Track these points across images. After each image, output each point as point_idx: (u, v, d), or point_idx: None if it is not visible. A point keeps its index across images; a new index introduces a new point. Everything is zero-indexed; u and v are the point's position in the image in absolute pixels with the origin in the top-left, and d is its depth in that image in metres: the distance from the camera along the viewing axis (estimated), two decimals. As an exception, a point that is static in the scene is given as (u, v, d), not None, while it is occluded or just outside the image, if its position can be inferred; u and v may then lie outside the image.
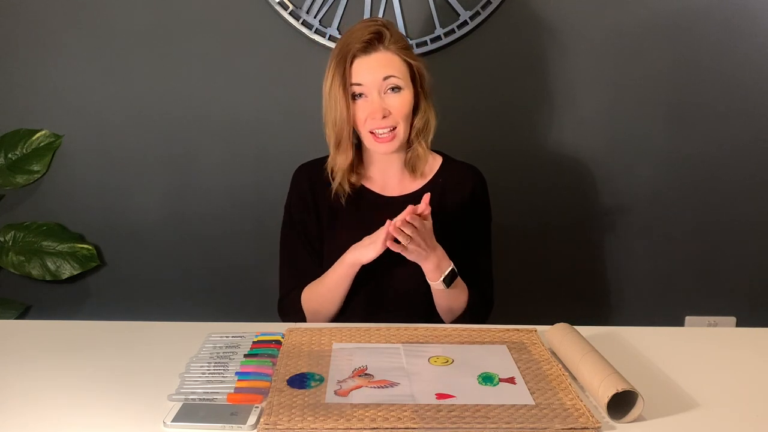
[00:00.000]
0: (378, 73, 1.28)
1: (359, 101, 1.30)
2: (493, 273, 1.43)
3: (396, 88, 1.29)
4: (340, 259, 1.30)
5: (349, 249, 1.28)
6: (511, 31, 1.81)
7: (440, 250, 1.26)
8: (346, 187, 1.35)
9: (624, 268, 1.95)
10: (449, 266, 1.27)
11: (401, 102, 1.29)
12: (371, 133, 1.30)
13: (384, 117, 1.28)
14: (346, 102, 1.28)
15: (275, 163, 1.87)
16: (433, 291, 1.32)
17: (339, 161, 1.33)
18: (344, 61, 1.28)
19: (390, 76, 1.28)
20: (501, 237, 1.45)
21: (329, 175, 1.36)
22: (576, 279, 1.96)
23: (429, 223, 1.21)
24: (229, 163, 1.91)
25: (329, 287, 1.32)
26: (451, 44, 1.80)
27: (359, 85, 1.28)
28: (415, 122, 1.34)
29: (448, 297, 1.31)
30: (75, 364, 1.05)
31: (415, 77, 1.32)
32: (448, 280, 1.27)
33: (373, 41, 1.28)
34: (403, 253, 1.22)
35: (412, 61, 1.31)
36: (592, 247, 1.95)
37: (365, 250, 1.25)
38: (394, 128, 1.30)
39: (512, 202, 1.85)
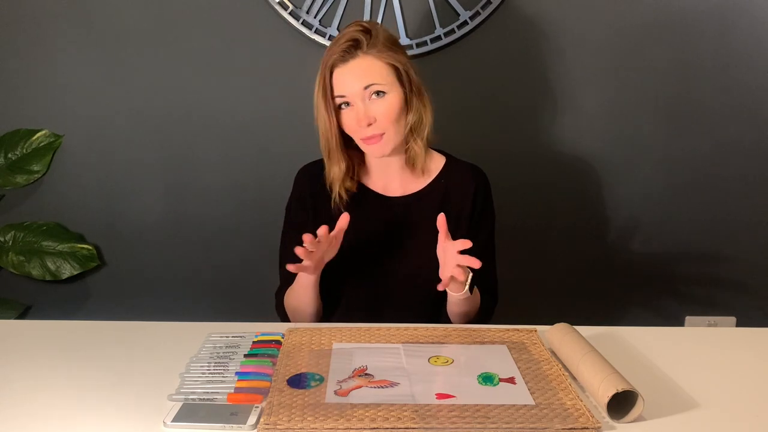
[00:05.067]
0: (358, 82, 1.25)
1: (346, 110, 1.28)
2: (497, 271, 1.43)
3: (380, 93, 1.26)
4: None
5: None
6: (511, 31, 1.81)
7: None
8: (344, 195, 1.35)
9: (624, 268, 1.95)
10: (470, 274, 1.25)
11: (387, 107, 1.26)
12: (360, 138, 1.30)
13: (369, 125, 1.26)
14: (328, 113, 1.27)
15: (275, 163, 1.87)
16: (450, 301, 1.30)
17: (333, 171, 1.33)
18: (324, 72, 1.27)
19: (371, 84, 1.25)
20: (500, 237, 1.44)
21: (327, 185, 1.36)
22: (576, 279, 1.96)
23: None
24: (229, 162, 1.91)
25: (296, 294, 1.33)
26: (451, 44, 1.81)
27: (341, 96, 1.27)
28: (408, 121, 1.31)
29: (467, 303, 1.29)
30: (75, 364, 1.05)
31: (401, 76, 1.28)
32: (471, 285, 1.25)
33: (350, 49, 1.25)
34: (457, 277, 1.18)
35: (394, 63, 1.27)
36: (592, 247, 1.95)
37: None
38: (382, 134, 1.28)
39: (512, 201, 1.84)
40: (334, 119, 1.28)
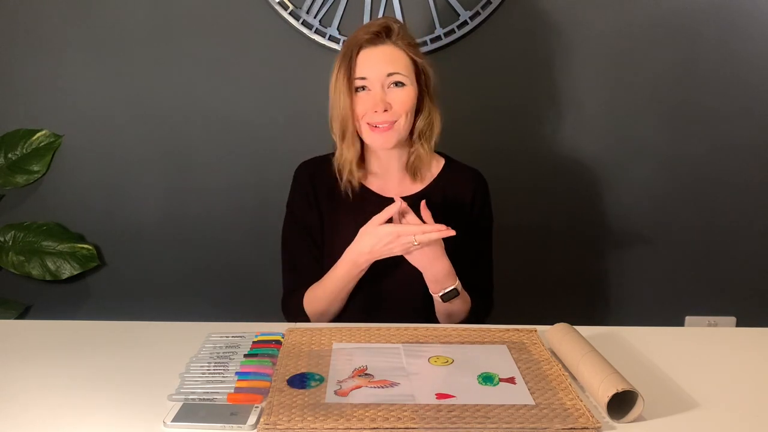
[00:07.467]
0: (383, 68, 1.27)
1: (361, 94, 1.29)
2: (493, 277, 1.43)
3: (399, 84, 1.29)
4: (340, 259, 1.29)
5: (349, 248, 1.27)
6: (511, 31, 1.81)
7: (445, 266, 1.25)
8: (355, 182, 1.35)
9: (624, 268, 1.95)
10: (451, 285, 1.26)
11: (404, 96, 1.29)
12: (369, 125, 1.29)
13: (385, 111, 1.27)
14: (350, 93, 1.28)
15: (275, 163, 1.87)
16: (435, 299, 1.31)
17: (347, 154, 1.33)
18: (350, 52, 1.28)
19: (394, 73, 1.28)
20: (501, 237, 1.45)
21: (337, 171, 1.35)
22: (576, 279, 1.96)
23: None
24: (229, 162, 1.91)
25: (332, 288, 1.31)
26: (451, 44, 1.81)
27: (363, 78, 1.28)
28: (417, 123, 1.33)
29: (445, 305, 1.30)
30: (75, 364, 1.05)
31: (420, 75, 1.31)
32: (446, 297, 1.26)
33: (381, 34, 1.28)
34: (406, 256, 1.23)
35: (417, 59, 1.31)
36: (592, 247, 1.95)
37: (363, 243, 1.25)
38: (394, 122, 1.29)
39: (512, 202, 1.85)
40: (353, 99, 1.29)
